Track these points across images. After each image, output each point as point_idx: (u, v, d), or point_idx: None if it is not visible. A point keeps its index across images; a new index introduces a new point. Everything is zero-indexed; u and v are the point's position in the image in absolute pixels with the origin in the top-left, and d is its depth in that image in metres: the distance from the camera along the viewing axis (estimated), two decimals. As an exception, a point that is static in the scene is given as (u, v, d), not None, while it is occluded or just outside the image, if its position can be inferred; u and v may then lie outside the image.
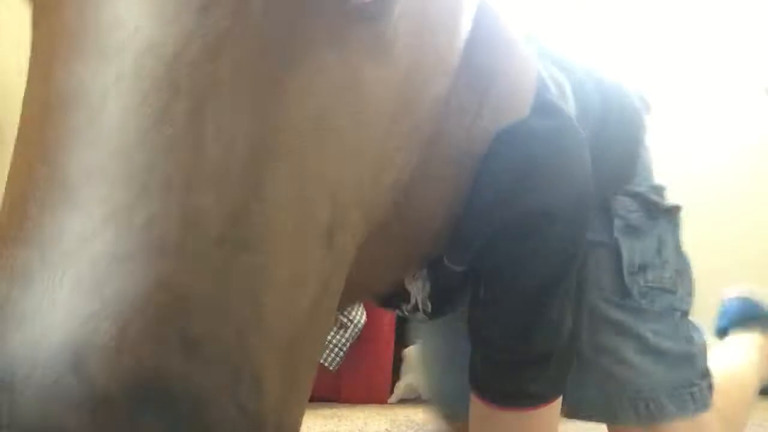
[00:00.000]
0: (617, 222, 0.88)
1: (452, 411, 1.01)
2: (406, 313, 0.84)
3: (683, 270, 0.91)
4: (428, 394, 1.02)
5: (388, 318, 1.75)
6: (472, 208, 0.61)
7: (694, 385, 0.85)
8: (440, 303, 0.77)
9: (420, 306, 0.78)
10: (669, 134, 2.16)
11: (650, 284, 0.88)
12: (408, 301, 0.79)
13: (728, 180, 2.17)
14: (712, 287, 2.09)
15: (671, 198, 1.01)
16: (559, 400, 0.72)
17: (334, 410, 1.59)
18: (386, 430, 1.18)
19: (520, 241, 0.62)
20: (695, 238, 2.22)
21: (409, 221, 0.59)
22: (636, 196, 0.90)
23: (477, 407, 0.72)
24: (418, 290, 0.77)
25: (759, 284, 2.11)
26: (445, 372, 1.01)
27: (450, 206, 0.62)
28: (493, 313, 0.68)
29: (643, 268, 0.88)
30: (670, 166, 2.17)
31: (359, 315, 1.67)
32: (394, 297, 0.79)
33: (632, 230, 0.89)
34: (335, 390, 1.73)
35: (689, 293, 0.90)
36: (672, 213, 0.94)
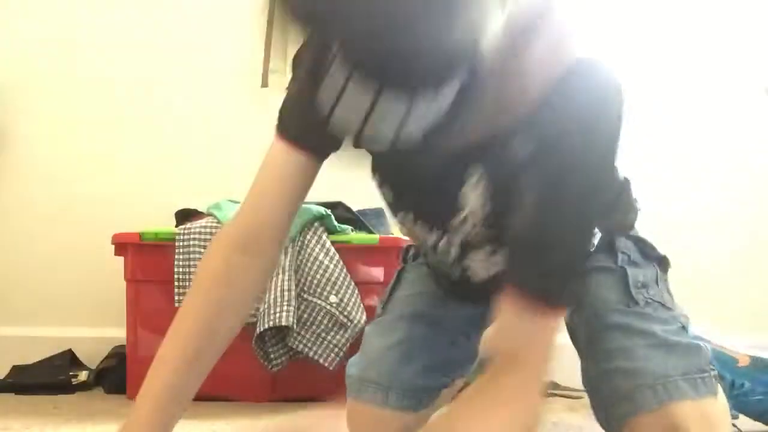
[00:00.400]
0: (620, 256, 1.00)
1: (405, 402, 1.04)
2: (459, 229, 0.92)
3: (677, 304, 1.00)
4: (374, 385, 1.05)
5: (388, 318, 1.75)
6: (550, 99, 0.76)
7: (704, 371, 0.91)
8: (498, 208, 0.87)
9: (481, 205, 0.87)
10: (669, 134, 2.16)
11: (653, 298, 0.98)
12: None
13: (728, 180, 2.17)
14: (711, 286, 2.09)
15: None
16: (560, 321, 0.81)
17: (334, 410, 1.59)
18: (386, 430, 1.18)
19: (574, 133, 0.77)
20: (694, 239, 2.22)
21: (512, 75, 0.74)
22: (636, 240, 1.03)
23: (503, 314, 0.79)
24: (476, 194, 0.87)
25: (758, 284, 2.11)
26: (402, 361, 1.04)
27: (537, 92, 0.76)
28: (530, 212, 0.78)
29: (645, 286, 0.99)
30: (671, 166, 2.17)
31: (359, 315, 1.68)
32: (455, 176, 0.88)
33: (633, 263, 1.01)
34: (335, 390, 1.73)
35: (686, 317, 0.99)
36: (663, 262, 1.06)
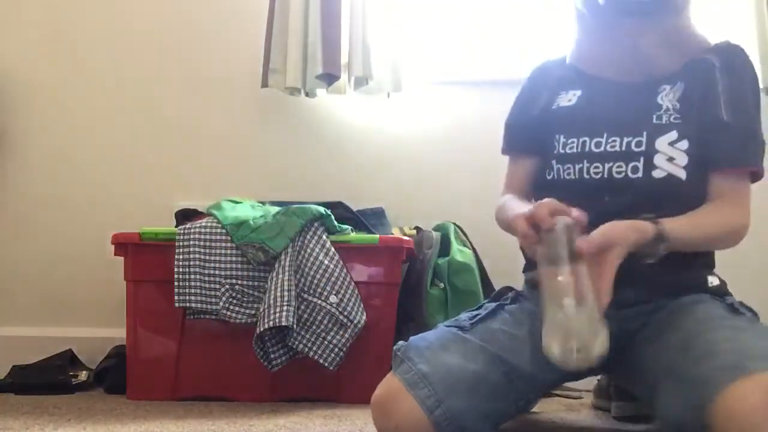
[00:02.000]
0: (728, 298, 1.16)
1: (445, 423, 1.02)
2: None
3: None
4: (431, 389, 1.04)
5: (388, 318, 1.75)
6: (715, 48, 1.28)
7: None
8: (686, 106, 1.21)
9: (672, 105, 1.21)
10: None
11: (753, 319, 1.11)
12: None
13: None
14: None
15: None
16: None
17: (334, 410, 1.59)
18: (386, 430, 1.18)
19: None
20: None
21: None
22: (731, 307, 1.13)
23: (714, 184, 1.19)
24: (669, 98, 1.23)
25: (757, 284, 2.11)
26: (465, 388, 1.03)
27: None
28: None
29: (748, 311, 1.13)
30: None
31: (359, 315, 1.68)
32: None
33: (732, 309, 1.11)
34: (335, 390, 1.73)
35: None
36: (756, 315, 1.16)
